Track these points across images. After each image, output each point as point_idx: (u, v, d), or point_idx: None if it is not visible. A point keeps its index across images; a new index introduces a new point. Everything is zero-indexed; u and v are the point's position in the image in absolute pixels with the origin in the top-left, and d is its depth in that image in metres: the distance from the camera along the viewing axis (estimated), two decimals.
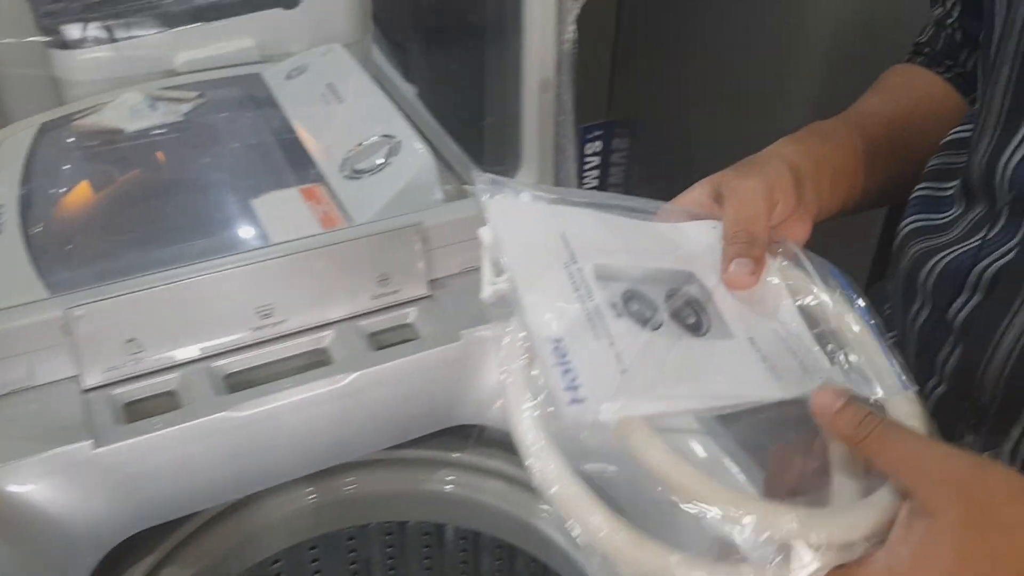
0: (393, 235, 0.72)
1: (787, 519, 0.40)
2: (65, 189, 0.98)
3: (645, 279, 0.50)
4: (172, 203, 0.95)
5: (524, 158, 0.78)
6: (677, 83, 1.55)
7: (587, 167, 1.74)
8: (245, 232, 0.87)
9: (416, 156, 0.91)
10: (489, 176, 0.51)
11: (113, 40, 1.16)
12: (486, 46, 0.84)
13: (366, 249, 0.71)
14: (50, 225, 0.92)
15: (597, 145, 1.70)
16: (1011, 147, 0.59)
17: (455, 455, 0.70)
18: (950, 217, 0.66)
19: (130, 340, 0.65)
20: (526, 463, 0.42)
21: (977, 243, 0.61)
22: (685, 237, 0.54)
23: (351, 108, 1.05)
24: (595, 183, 1.77)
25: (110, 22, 1.16)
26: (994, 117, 0.60)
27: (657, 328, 0.47)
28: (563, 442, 0.42)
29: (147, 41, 1.17)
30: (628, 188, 1.76)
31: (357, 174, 0.94)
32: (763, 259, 0.53)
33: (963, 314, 0.62)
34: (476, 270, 0.52)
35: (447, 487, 0.72)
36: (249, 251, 0.71)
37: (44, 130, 1.08)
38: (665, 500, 0.40)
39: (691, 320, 0.49)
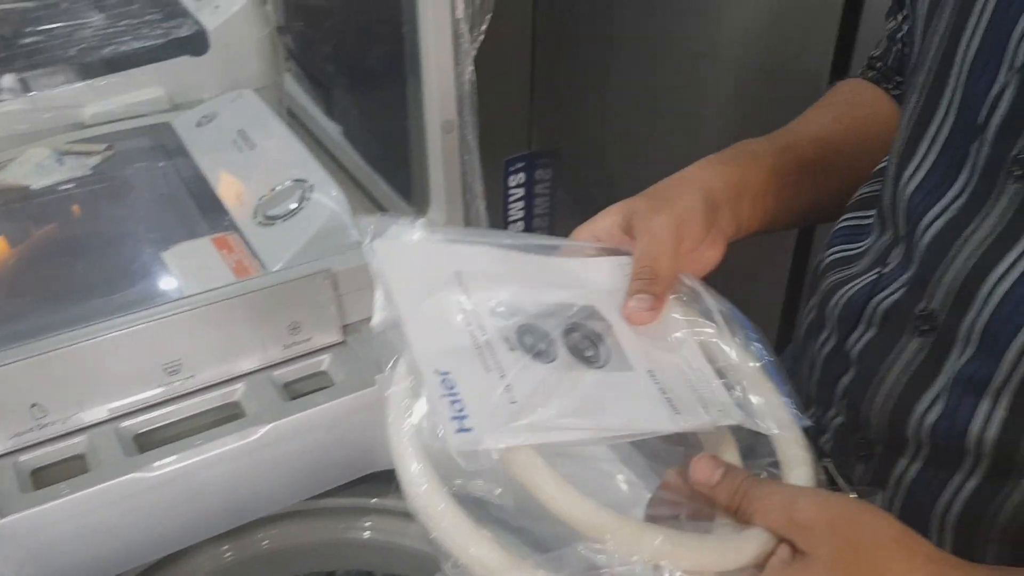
0: (302, 282, 0.72)
1: (656, 541, 0.41)
2: None
3: (543, 314, 0.51)
4: (80, 260, 0.93)
5: (432, 197, 0.78)
6: (596, 112, 1.57)
7: (512, 199, 1.75)
8: (156, 286, 0.86)
9: (329, 200, 0.91)
10: (378, 218, 0.52)
11: (17, 94, 1.14)
12: (393, 87, 0.85)
13: (275, 298, 0.70)
14: None
15: (521, 177, 1.71)
16: (909, 171, 0.61)
17: (375, 501, 0.69)
18: (864, 247, 0.67)
19: (34, 405, 0.63)
20: (402, 486, 0.42)
21: (875, 276, 0.63)
22: (590, 272, 0.55)
23: (263, 153, 1.04)
24: (521, 214, 1.78)
25: (13, 76, 1.15)
26: (901, 142, 0.62)
27: (551, 361, 0.48)
28: (444, 462, 0.42)
29: (53, 95, 1.15)
30: (553, 217, 1.78)
31: (270, 220, 0.93)
32: (664, 296, 0.54)
33: (858, 347, 0.63)
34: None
35: (369, 534, 0.72)
36: (153, 307, 0.70)
37: None
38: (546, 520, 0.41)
39: (588, 353, 0.50)
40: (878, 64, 0.78)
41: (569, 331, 0.51)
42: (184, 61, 1.21)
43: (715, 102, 1.34)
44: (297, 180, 0.96)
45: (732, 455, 0.49)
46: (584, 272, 0.55)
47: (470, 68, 0.72)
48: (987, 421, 0.54)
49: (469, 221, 0.78)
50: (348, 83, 1.32)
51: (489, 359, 0.46)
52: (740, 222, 0.63)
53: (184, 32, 1.22)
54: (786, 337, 1.33)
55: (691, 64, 1.34)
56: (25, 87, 1.14)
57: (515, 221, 1.79)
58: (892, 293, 0.61)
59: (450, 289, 0.50)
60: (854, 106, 0.76)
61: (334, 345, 0.73)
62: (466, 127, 0.73)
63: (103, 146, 1.12)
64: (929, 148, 0.60)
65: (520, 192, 1.75)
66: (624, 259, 0.56)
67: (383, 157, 1.12)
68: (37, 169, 1.08)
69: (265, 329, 0.70)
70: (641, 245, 0.56)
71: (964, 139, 0.57)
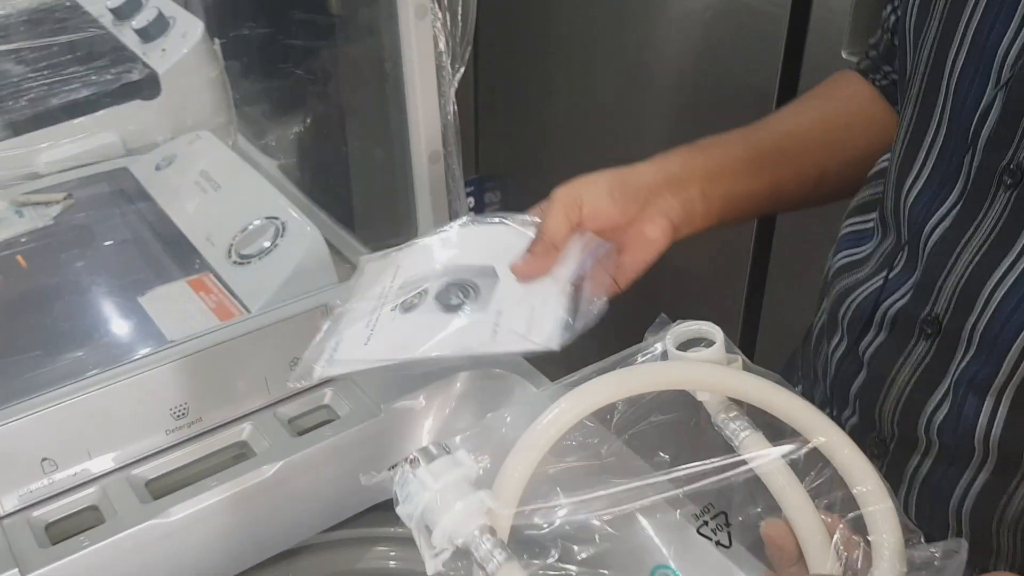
0: (301, 318, 0.73)
1: None
2: None
3: (439, 275, 0.63)
4: (56, 313, 0.92)
5: (420, 226, 0.80)
6: (539, 136, 1.60)
7: None
8: (136, 333, 0.85)
9: (305, 236, 0.92)
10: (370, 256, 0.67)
11: None
12: (370, 126, 0.86)
13: (275, 335, 0.71)
14: None
15: (470, 201, 1.73)
16: (909, 181, 0.64)
17: (391, 530, 0.70)
18: (869, 250, 0.70)
19: (44, 459, 0.63)
20: None
21: (880, 281, 0.66)
22: (506, 238, 0.64)
23: (229, 193, 1.04)
24: None
25: None
26: (898, 154, 0.66)
27: (409, 310, 0.61)
28: None
29: (5, 146, 1.14)
30: None
31: (245, 259, 0.94)
32: (547, 253, 0.61)
33: (870, 350, 0.67)
34: None
35: (388, 563, 0.72)
36: (156, 352, 0.70)
37: None
38: None
39: (453, 301, 0.61)
40: (871, 52, 0.81)
41: (446, 286, 0.62)
42: (136, 105, 1.21)
43: (657, 123, 1.39)
44: (269, 218, 0.96)
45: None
46: (504, 238, 0.64)
47: (453, 100, 0.74)
48: (991, 420, 0.57)
49: None
50: (294, 121, 1.33)
51: (372, 318, 0.61)
52: (690, 207, 0.67)
53: (135, 76, 1.22)
54: (750, 336, 1.37)
55: (631, 87, 1.38)
56: None
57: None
58: (899, 298, 0.65)
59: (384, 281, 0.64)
60: (825, 99, 0.80)
61: (336, 377, 0.74)
62: (451, 155, 0.75)
63: (62, 195, 1.11)
64: (926, 159, 0.63)
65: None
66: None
67: (327, 192, 1.13)
68: None
69: (267, 367, 0.71)
70: (543, 214, 0.63)
71: (957, 150, 0.60)
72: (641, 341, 0.53)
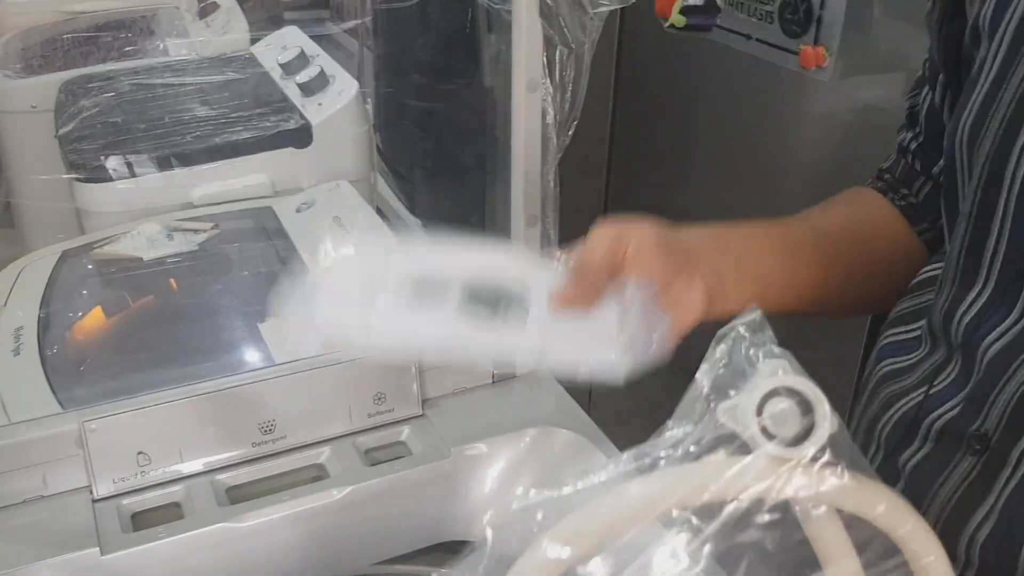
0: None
1: None
2: (82, 313, 1.04)
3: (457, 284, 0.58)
4: (183, 326, 1.00)
5: None
6: (672, 213, 1.62)
7: None
8: (251, 354, 0.93)
9: None
10: None
11: (135, 175, 1.24)
12: (481, 183, 0.91)
13: (363, 371, 0.76)
14: (66, 347, 0.97)
15: None
16: (965, 303, 0.63)
17: (443, 570, 0.73)
18: (915, 359, 0.69)
19: (140, 453, 0.69)
20: None
21: (922, 395, 0.65)
22: (525, 263, 0.61)
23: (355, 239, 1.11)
24: None
25: (133, 158, 1.25)
26: (952, 270, 0.65)
27: (427, 302, 0.57)
28: None
29: (167, 176, 1.25)
30: None
31: None
32: (588, 288, 0.58)
33: (912, 463, 0.65)
34: (467, 390, 0.69)
35: None
36: (253, 371, 0.76)
37: (65, 257, 1.15)
38: None
39: (482, 309, 0.57)
40: (886, 176, 0.80)
41: (478, 289, 0.58)
42: (289, 152, 1.31)
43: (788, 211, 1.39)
44: None
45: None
46: (539, 264, 0.60)
47: (555, 169, 0.78)
48: None
49: None
50: (431, 180, 1.40)
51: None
52: (724, 278, 0.64)
53: (291, 126, 1.32)
54: None
55: (768, 180, 1.39)
56: (147, 168, 1.25)
57: None
58: (948, 411, 0.63)
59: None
60: (850, 203, 0.79)
61: (414, 417, 0.78)
62: (548, 221, 0.79)
63: (210, 224, 1.21)
64: (986, 278, 0.62)
65: None
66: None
67: None
68: (148, 243, 1.17)
69: (352, 398, 0.75)
70: (585, 246, 0.59)
71: (1019, 268, 0.59)
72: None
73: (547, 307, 0.57)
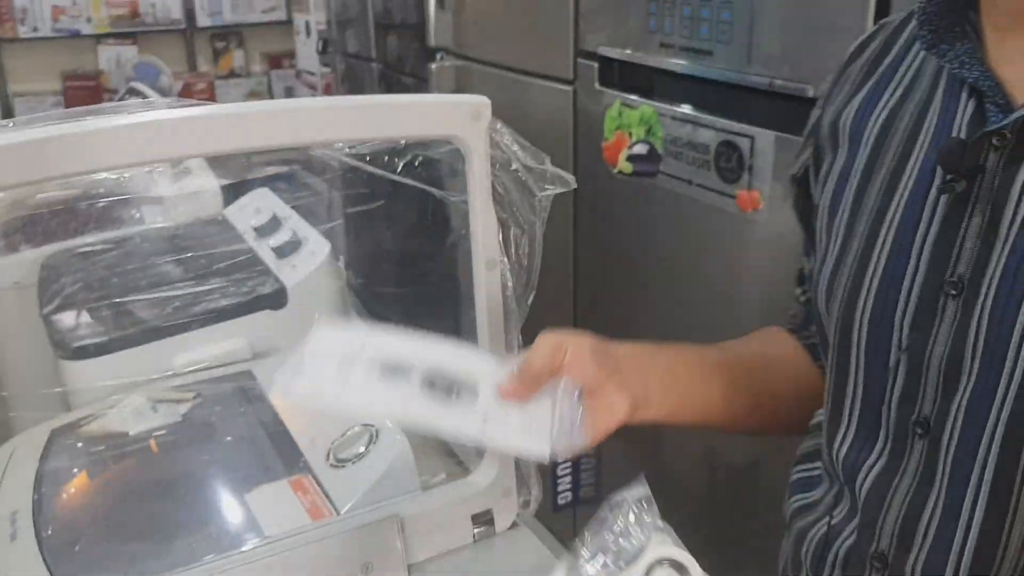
0: (373, 526, 0.81)
1: None
2: (75, 492, 1.07)
3: (423, 367, 0.69)
4: (174, 502, 1.03)
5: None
6: (634, 327, 1.69)
7: None
8: (240, 526, 0.96)
9: (394, 444, 1.01)
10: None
11: (117, 349, 1.29)
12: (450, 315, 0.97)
13: (349, 541, 0.80)
14: (61, 528, 1.00)
15: None
16: (838, 441, 0.71)
17: None
18: (819, 495, 0.76)
19: None
20: None
21: (826, 525, 0.72)
22: (496, 365, 0.70)
23: None
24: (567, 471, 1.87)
25: (115, 334, 1.30)
26: (827, 412, 0.72)
27: (390, 378, 0.68)
28: None
29: (149, 348, 1.30)
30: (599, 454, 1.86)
31: (340, 463, 1.04)
32: (529, 384, 0.67)
33: None
34: (455, 551, 0.75)
35: None
36: (242, 551, 0.79)
37: (54, 436, 1.18)
38: None
39: (440, 388, 0.68)
40: (793, 320, 0.89)
41: (433, 375, 0.68)
42: (266, 314, 1.37)
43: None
44: (365, 425, 1.07)
45: None
46: (492, 365, 0.70)
47: (518, 334, 0.84)
48: None
49: (519, 467, 0.88)
50: (403, 314, 1.47)
51: (341, 371, 0.68)
52: (649, 390, 0.72)
53: (267, 289, 1.38)
54: None
55: (717, 308, 1.46)
56: (127, 343, 1.30)
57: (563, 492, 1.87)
58: (848, 538, 0.70)
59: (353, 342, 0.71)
60: (764, 339, 0.88)
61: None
62: (511, 344, 0.85)
63: (192, 395, 1.25)
64: (850, 416, 0.70)
65: None
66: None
67: None
68: (134, 416, 1.21)
69: (340, 569, 0.79)
70: (532, 352, 0.68)
71: (875, 408, 0.67)
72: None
73: (492, 397, 0.67)
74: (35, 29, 3.76)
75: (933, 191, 0.63)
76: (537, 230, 0.81)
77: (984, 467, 0.60)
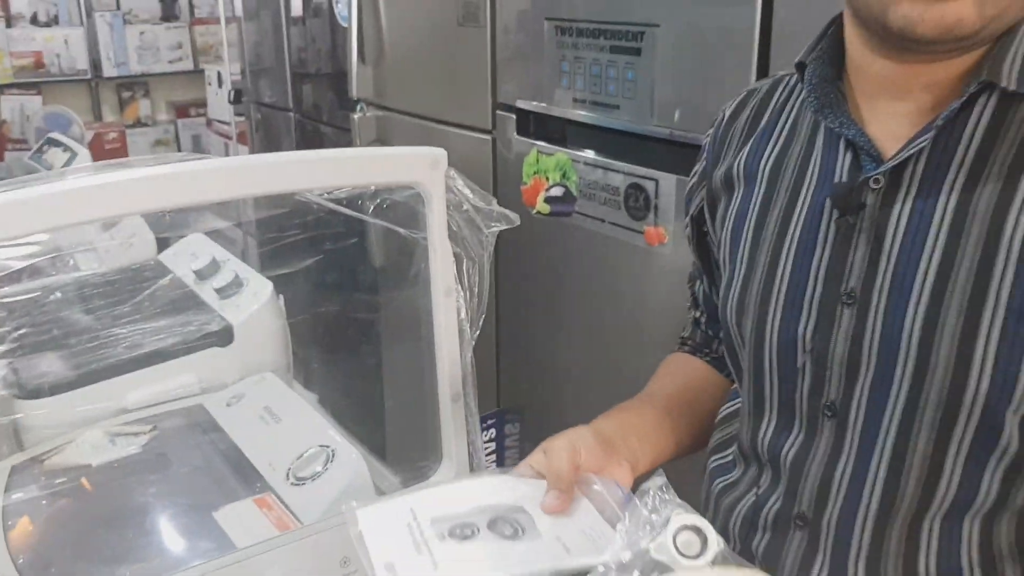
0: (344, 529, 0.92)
1: None
2: (44, 521, 1.14)
3: (476, 513, 0.75)
4: (143, 525, 1.11)
5: (444, 453, 1.00)
6: (554, 375, 1.82)
7: (485, 452, 1.96)
8: (212, 541, 1.05)
9: (351, 462, 1.12)
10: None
11: (71, 388, 1.36)
12: (404, 373, 1.08)
13: (328, 539, 0.90)
14: (34, 555, 1.06)
15: (492, 432, 1.94)
16: (762, 431, 0.85)
17: None
18: (737, 475, 0.91)
19: None
20: None
21: (754, 496, 0.87)
22: (519, 485, 0.80)
23: (288, 425, 1.25)
24: (493, 464, 1.99)
25: (68, 373, 1.37)
26: (747, 408, 0.87)
27: (470, 538, 0.73)
28: None
29: (101, 387, 1.37)
30: None
31: (300, 481, 1.14)
32: (567, 491, 0.77)
33: (761, 547, 0.86)
34: None
35: None
36: (224, 555, 0.89)
37: (15, 471, 1.24)
38: None
39: (507, 531, 0.74)
40: (689, 342, 1.05)
41: (493, 520, 0.75)
42: (213, 351, 1.45)
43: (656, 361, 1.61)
44: (322, 446, 1.17)
45: None
46: (516, 485, 0.79)
47: (470, 353, 0.97)
48: None
49: (473, 468, 1.00)
50: (341, 366, 1.56)
51: (423, 550, 0.71)
52: (635, 453, 0.85)
53: (213, 327, 1.47)
54: None
55: (629, 332, 1.61)
56: (80, 381, 1.36)
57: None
58: (774, 504, 0.84)
59: (404, 519, 0.75)
60: (682, 374, 1.02)
61: None
62: (469, 396, 0.97)
63: (149, 427, 1.33)
64: (770, 409, 0.84)
65: (492, 446, 1.97)
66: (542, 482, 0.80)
67: (364, 426, 1.34)
68: (93, 450, 1.28)
69: (322, 562, 0.89)
70: (549, 460, 0.79)
71: (789, 399, 0.82)
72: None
73: (546, 518, 0.76)
74: None
75: (824, 223, 0.78)
76: (485, 262, 0.95)
77: (885, 438, 0.75)
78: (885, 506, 0.76)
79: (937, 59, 0.71)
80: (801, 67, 0.81)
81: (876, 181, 0.74)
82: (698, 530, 0.66)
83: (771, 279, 0.81)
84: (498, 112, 1.81)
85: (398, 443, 1.52)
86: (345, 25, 2.34)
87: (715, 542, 0.65)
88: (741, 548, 0.87)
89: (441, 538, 0.72)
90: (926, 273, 0.72)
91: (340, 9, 2.43)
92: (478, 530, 0.73)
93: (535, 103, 1.70)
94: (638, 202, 1.47)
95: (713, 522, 0.91)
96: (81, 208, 0.75)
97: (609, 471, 0.81)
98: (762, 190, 0.85)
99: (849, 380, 0.77)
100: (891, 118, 0.76)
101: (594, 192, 1.57)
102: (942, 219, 0.72)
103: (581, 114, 1.59)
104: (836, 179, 0.78)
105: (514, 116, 1.76)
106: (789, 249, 0.81)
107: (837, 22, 0.81)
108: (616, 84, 1.49)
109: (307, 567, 0.90)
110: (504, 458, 1.99)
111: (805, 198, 0.80)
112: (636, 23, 1.44)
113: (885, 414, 0.75)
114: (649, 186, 1.45)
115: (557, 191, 1.62)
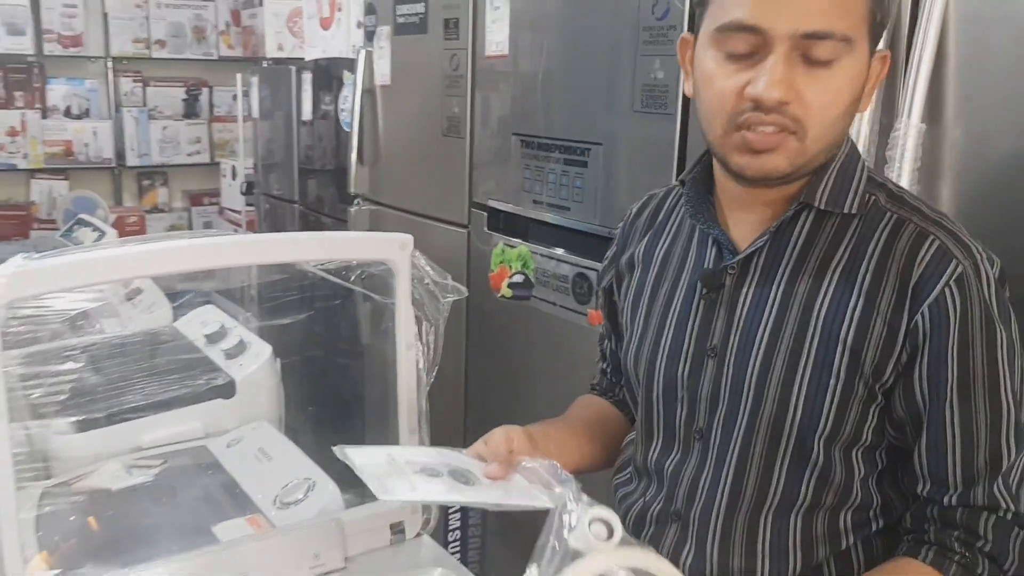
0: (322, 527, 1.16)
1: None
2: (70, 529, 1.37)
3: (439, 464, 0.99)
4: (153, 533, 1.35)
5: None
6: (512, 418, 2.08)
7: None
8: (209, 544, 1.28)
9: (328, 491, 1.36)
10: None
11: (96, 427, 1.60)
12: (376, 411, 1.33)
13: (304, 537, 1.14)
14: (60, 553, 1.29)
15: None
16: (652, 451, 1.10)
17: None
18: (633, 487, 1.15)
19: None
20: None
21: (642, 501, 1.11)
22: (468, 459, 1.03)
23: (278, 463, 1.50)
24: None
25: (95, 415, 1.61)
26: (640, 435, 1.13)
27: (434, 477, 0.97)
28: None
29: (122, 427, 1.62)
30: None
31: (285, 505, 1.38)
32: (506, 464, 1.00)
33: (647, 537, 1.10)
34: (377, 550, 1.03)
35: None
36: (225, 542, 1.13)
37: (45, 494, 1.48)
38: None
39: (462, 480, 0.98)
40: (596, 387, 1.30)
41: (452, 470, 0.99)
42: (218, 403, 1.71)
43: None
44: (304, 478, 1.42)
45: None
46: (464, 458, 1.03)
47: (425, 397, 1.23)
48: (711, 559, 1.03)
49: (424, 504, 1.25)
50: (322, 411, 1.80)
51: (403, 476, 0.96)
52: (553, 456, 1.05)
53: (219, 382, 1.73)
54: None
55: (572, 390, 1.87)
56: (104, 422, 1.61)
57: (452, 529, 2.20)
58: (657, 505, 1.08)
59: (386, 457, 1.00)
60: (591, 408, 1.28)
61: (338, 570, 1.16)
62: (423, 431, 1.22)
63: (160, 461, 1.57)
64: (657, 434, 1.09)
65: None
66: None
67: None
68: (112, 477, 1.52)
69: (299, 556, 1.13)
70: (490, 443, 1.03)
71: (671, 427, 1.07)
72: None
73: (487, 480, 1.00)
74: None
75: (696, 298, 1.05)
76: (440, 324, 1.21)
77: (734, 454, 1.00)
78: (732, 504, 1.01)
79: (770, 186, 0.99)
80: (682, 183, 1.09)
81: (732, 269, 1.01)
82: (606, 521, 0.85)
83: (659, 337, 1.08)
84: (473, 209, 2.12)
85: None
86: (347, 129, 2.67)
87: (619, 529, 0.85)
88: (636, 536, 1.11)
89: (415, 472, 0.97)
90: (762, 337, 0.98)
91: (344, 116, 2.76)
92: (441, 473, 0.97)
93: (503, 203, 2.00)
94: (582, 288, 1.75)
95: (635, 519, 1.16)
96: (129, 267, 1.02)
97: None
98: (654, 272, 1.12)
99: (711, 411, 1.02)
100: (743, 225, 1.03)
101: (548, 280, 1.85)
102: (774, 299, 0.99)
103: (539, 213, 1.88)
104: (705, 266, 1.05)
105: (486, 213, 2.06)
106: (672, 316, 1.07)
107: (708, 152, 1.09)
108: (567, 190, 1.78)
109: (285, 560, 1.14)
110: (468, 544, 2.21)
111: (684, 279, 1.07)
112: (584, 141, 1.74)
113: (733, 436, 1.01)
114: (592, 275, 1.73)
115: (519, 278, 1.91)
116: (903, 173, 1.14)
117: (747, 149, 0.93)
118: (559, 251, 1.84)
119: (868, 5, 0.91)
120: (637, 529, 1.11)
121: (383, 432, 1.33)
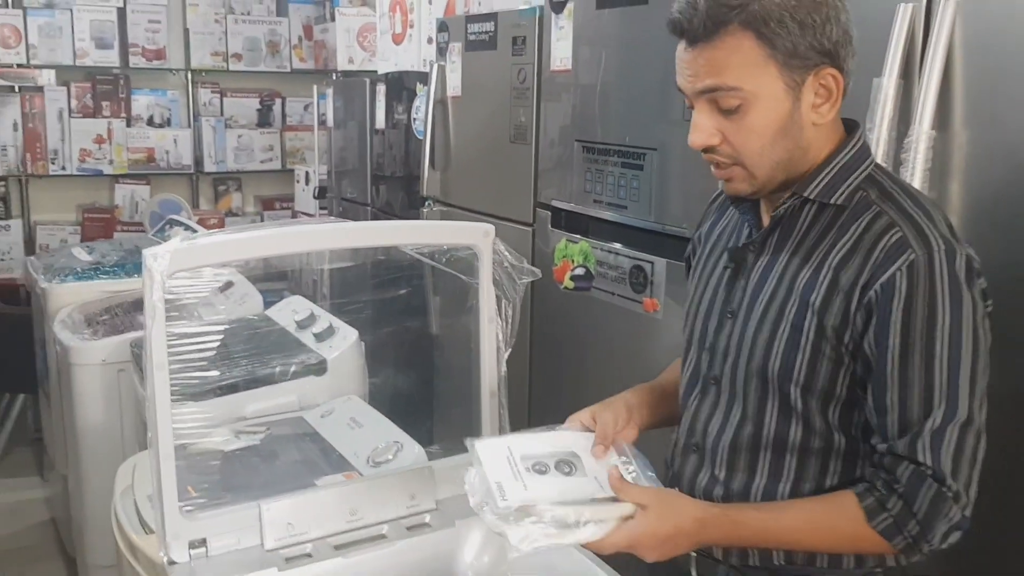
0: (418, 471, 1.36)
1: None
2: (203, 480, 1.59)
3: (548, 455, 1.17)
4: (268, 484, 1.55)
5: (484, 435, 1.44)
6: (573, 393, 2.27)
7: None
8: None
9: (413, 452, 1.56)
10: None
11: (209, 397, 1.82)
12: (455, 378, 1.52)
13: (404, 478, 1.34)
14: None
15: None
16: (687, 395, 1.28)
17: None
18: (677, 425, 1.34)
19: (288, 523, 1.25)
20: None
21: (676, 434, 1.29)
22: (574, 438, 1.21)
23: (368, 430, 1.70)
24: None
25: (208, 388, 1.84)
26: (684, 380, 1.30)
27: (544, 473, 1.14)
28: None
29: (230, 399, 1.84)
30: None
31: (377, 464, 1.58)
32: (608, 447, 1.20)
33: (675, 464, 1.28)
34: (462, 495, 1.17)
35: None
36: (341, 473, 1.33)
37: None
38: None
39: (566, 470, 1.16)
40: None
41: (558, 461, 1.17)
42: (311, 379, 1.92)
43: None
44: (394, 441, 1.62)
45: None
46: (570, 438, 1.22)
47: (504, 366, 1.42)
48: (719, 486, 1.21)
49: None
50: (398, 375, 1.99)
51: (519, 476, 1.13)
52: (643, 419, 1.28)
53: (313, 361, 1.94)
54: None
55: (632, 376, 2.05)
56: (215, 393, 1.83)
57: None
58: (682, 438, 1.27)
59: (505, 454, 1.17)
60: (677, 370, 1.41)
61: (430, 510, 1.36)
62: (501, 395, 1.42)
63: (264, 428, 1.78)
64: (691, 382, 1.27)
65: None
66: (589, 434, 1.23)
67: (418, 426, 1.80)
68: (225, 440, 1.74)
69: (399, 496, 1.33)
70: (599, 424, 1.23)
71: (698, 375, 1.25)
72: None
73: (592, 459, 1.19)
74: (63, 168, 4.36)
75: (727, 270, 1.24)
76: (517, 301, 1.41)
77: (735, 397, 1.19)
78: (737, 438, 1.19)
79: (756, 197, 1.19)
80: None
81: (752, 247, 1.20)
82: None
83: (701, 299, 1.27)
84: (538, 209, 2.31)
85: (444, 432, 1.94)
86: (420, 137, 2.88)
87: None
88: (673, 465, 1.30)
89: (527, 470, 1.12)
90: (761, 302, 1.17)
91: (416, 124, 2.97)
92: (549, 468, 1.14)
93: (565, 203, 2.19)
94: (638, 279, 1.93)
95: (672, 455, 1.33)
96: (271, 245, 1.23)
97: (627, 431, 1.24)
98: (708, 247, 1.31)
99: (724, 361, 1.21)
100: (765, 215, 1.23)
101: (607, 272, 2.04)
102: (775, 273, 1.17)
103: (599, 212, 2.07)
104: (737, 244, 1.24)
105: (550, 213, 2.26)
106: (710, 283, 1.26)
107: None
108: (625, 190, 1.97)
109: (386, 499, 1.34)
110: None
111: (724, 255, 1.27)
112: (640, 146, 1.93)
113: (736, 383, 1.19)
114: (647, 267, 1.92)
115: (580, 271, 2.10)
116: (916, 174, 1.31)
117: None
118: (617, 245, 2.03)
119: (763, 50, 1.07)
120: (673, 459, 1.30)
121: (466, 398, 1.53)
